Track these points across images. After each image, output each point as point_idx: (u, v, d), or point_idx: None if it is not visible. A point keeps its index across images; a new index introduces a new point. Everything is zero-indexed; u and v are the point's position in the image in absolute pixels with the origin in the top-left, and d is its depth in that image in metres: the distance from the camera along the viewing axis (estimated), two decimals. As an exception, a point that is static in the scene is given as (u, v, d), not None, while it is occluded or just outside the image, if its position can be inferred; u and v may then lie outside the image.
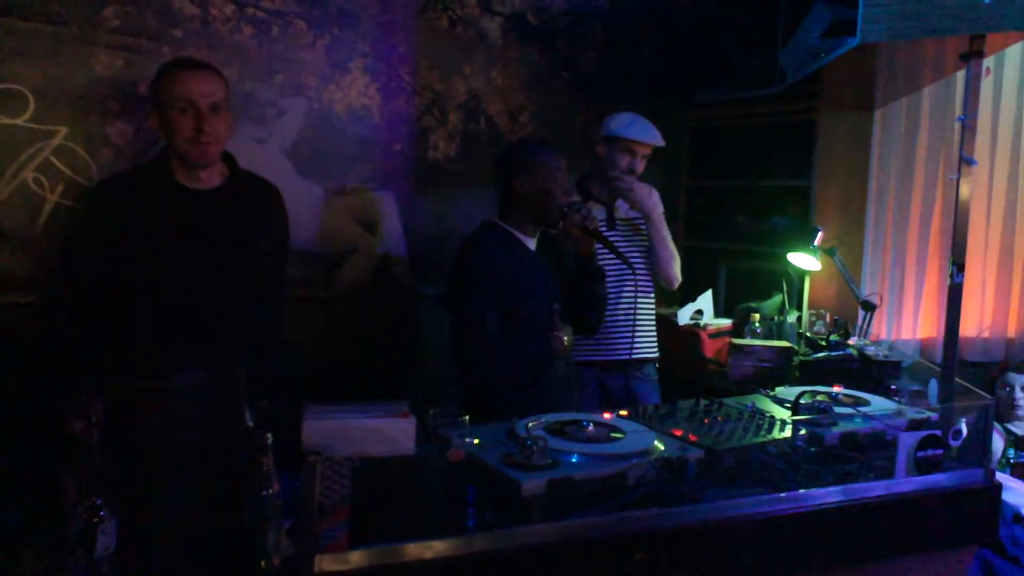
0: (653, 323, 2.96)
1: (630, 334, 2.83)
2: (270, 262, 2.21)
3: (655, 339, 2.97)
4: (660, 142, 2.83)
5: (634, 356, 2.85)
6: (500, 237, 2.39)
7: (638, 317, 2.84)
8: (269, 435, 1.37)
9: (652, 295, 2.95)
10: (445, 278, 2.49)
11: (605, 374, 2.87)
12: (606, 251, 2.47)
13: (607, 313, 2.66)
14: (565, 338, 2.22)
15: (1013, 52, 3.62)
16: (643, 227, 2.89)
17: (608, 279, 2.63)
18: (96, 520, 1.28)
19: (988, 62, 3.50)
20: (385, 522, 1.40)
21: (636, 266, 2.71)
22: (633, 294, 2.82)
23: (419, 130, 3.14)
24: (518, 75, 3.31)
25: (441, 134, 3.18)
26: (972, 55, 1.93)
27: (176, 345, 2.02)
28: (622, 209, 2.90)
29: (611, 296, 2.70)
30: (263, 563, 1.33)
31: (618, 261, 2.50)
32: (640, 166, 2.84)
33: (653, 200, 2.87)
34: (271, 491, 1.34)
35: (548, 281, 2.42)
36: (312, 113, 2.93)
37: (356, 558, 1.32)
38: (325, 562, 1.29)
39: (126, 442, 1.50)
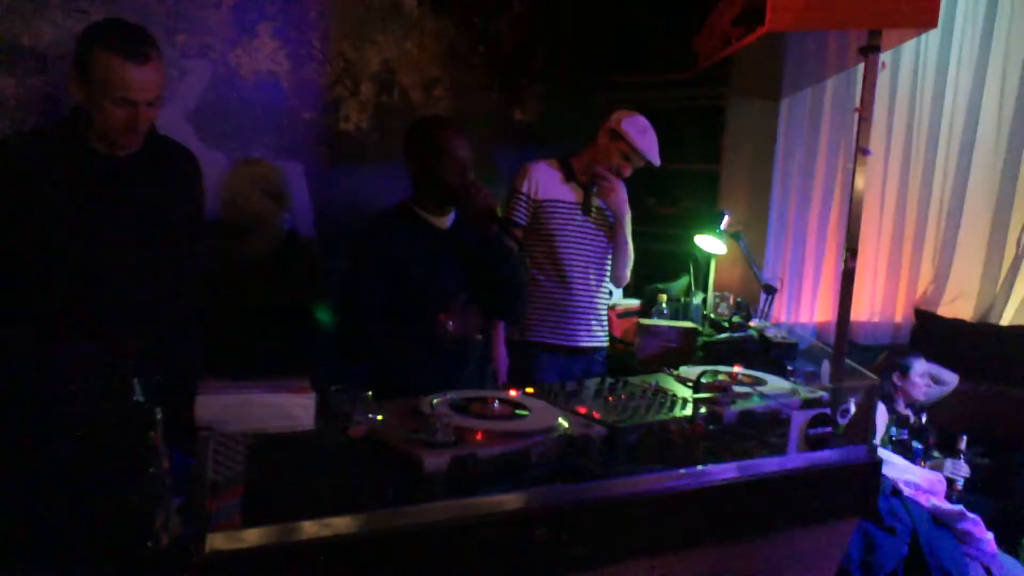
0: (606, 311, 3.06)
1: (588, 321, 2.93)
2: (184, 231, 2.13)
3: (607, 327, 3.08)
4: (658, 162, 2.91)
5: (589, 343, 2.95)
6: (402, 215, 2.37)
7: (596, 305, 2.96)
8: (158, 410, 1.31)
9: (607, 285, 3.04)
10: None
11: (569, 359, 2.92)
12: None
13: (568, 299, 2.80)
14: (450, 323, 2.22)
15: (908, 48, 3.79)
16: (610, 219, 2.97)
17: (573, 267, 2.83)
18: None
19: (885, 57, 3.65)
20: (283, 500, 1.36)
21: (598, 256, 2.91)
22: (589, 284, 2.91)
23: (330, 100, 3.05)
24: (434, 47, 3.25)
25: (353, 104, 3.10)
26: (869, 49, 2.01)
27: (84, 315, 1.92)
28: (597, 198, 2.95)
29: (575, 284, 2.84)
30: (150, 543, 1.27)
31: (590, 248, 2.81)
32: (627, 173, 2.91)
33: (624, 203, 2.94)
34: (160, 468, 1.29)
35: (459, 263, 2.37)
36: (216, 77, 2.80)
37: (250, 536, 1.27)
38: (217, 541, 1.24)
39: (10, 414, 1.42)
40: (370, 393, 1.59)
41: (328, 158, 3.08)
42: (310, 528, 1.32)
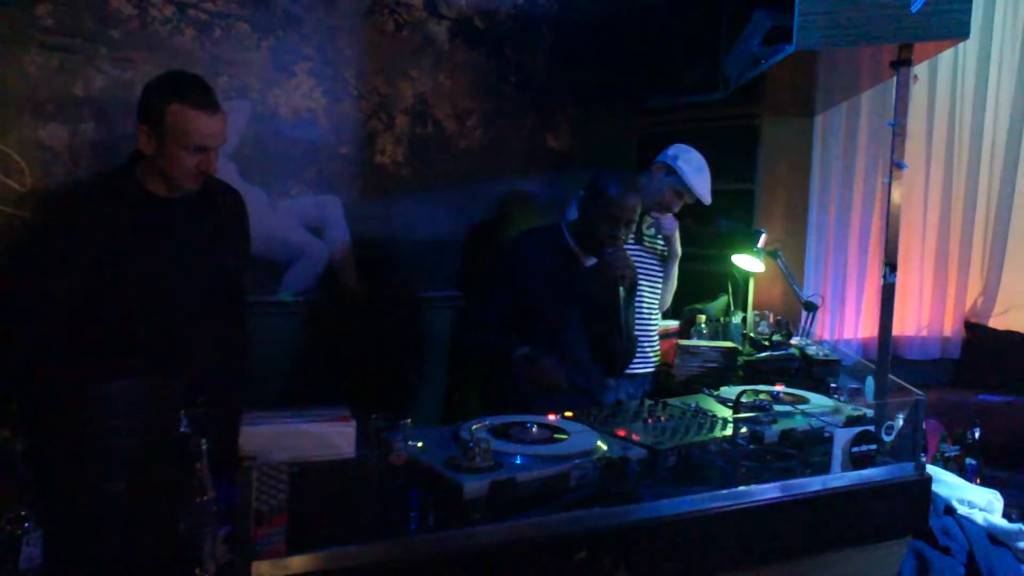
0: (657, 337, 3.10)
1: (644, 350, 2.94)
2: (234, 268, 2.22)
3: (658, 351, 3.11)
4: (708, 201, 2.93)
5: (644, 369, 2.97)
6: (553, 235, 2.51)
7: (651, 332, 3.01)
8: (204, 441, 1.35)
9: (658, 312, 3.08)
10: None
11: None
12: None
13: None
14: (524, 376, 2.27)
15: (945, 59, 3.75)
16: (661, 248, 3.02)
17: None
18: (20, 532, 1.24)
19: (920, 69, 3.62)
20: (326, 527, 1.38)
21: (648, 283, 2.93)
22: (641, 311, 2.91)
23: (365, 134, 3.12)
24: (466, 79, 3.30)
25: (388, 138, 3.16)
26: (901, 63, 1.99)
27: (141, 352, 2.00)
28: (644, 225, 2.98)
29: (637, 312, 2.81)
30: (198, 571, 1.30)
31: (644, 276, 2.80)
32: (677, 208, 2.95)
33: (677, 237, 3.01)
34: (206, 497, 1.32)
35: (589, 299, 2.45)
36: (256, 116, 2.89)
37: (295, 564, 1.30)
38: (263, 568, 1.28)
39: (57, 449, 1.47)
40: (410, 420, 1.61)
41: (364, 190, 3.14)
42: (352, 555, 1.35)
